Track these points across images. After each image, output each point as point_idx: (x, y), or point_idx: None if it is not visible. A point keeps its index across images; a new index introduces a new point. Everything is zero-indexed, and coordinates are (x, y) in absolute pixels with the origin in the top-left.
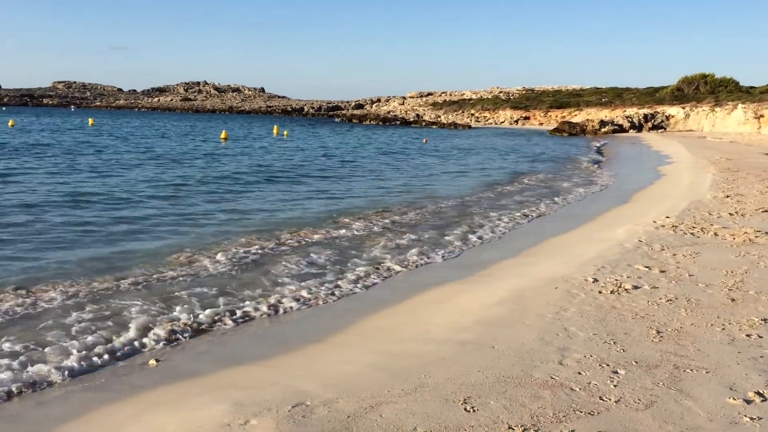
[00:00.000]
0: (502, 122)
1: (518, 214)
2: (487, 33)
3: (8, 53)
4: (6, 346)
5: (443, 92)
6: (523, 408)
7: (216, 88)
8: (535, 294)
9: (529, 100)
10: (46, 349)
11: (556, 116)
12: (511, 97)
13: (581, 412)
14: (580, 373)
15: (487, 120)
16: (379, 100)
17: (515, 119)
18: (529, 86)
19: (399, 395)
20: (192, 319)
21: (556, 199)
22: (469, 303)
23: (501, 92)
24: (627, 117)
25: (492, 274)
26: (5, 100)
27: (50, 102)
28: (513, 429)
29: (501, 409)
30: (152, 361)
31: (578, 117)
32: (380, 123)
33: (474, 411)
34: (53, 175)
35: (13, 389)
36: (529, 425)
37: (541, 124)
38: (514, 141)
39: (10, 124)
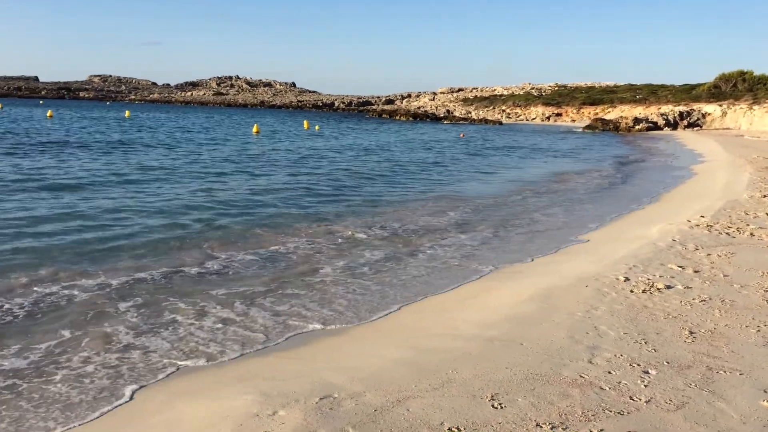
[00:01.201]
0: (534, 119)
1: (549, 211)
2: (521, 28)
3: (47, 47)
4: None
5: (474, 88)
6: (552, 406)
7: (248, 83)
8: (565, 292)
9: (562, 97)
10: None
11: (589, 113)
12: (543, 93)
13: (611, 411)
14: (610, 373)
15: (518, 116)
16: (409, 96)
17: (547, 116)
18: (562, 82)
19: (426, 390)
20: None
21: (584, 197)
22: (497, 300)
23: (533, 88)
24: (662, 114)
25: (521, 271)
26: (43, 92)
27: (86, 95)
28: (541, 427)
29: (529, 407)
30: (184, 349)
31: (611, 114)
32: (410, 118)
33: (502, 408)
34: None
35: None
36: (557, 423)
37: (574, 120)
38: (544, 138)
39: (48, 115)
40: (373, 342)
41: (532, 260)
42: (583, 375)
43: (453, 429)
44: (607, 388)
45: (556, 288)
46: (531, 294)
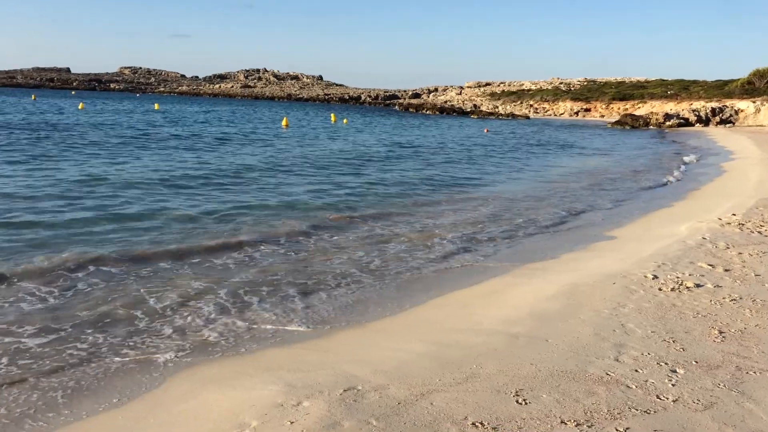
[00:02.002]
0: (562, 114)
1: (575, 207)
2: (550, 22)
3: (78, 39)
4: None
5: (501, 82)
6: (577, 403)
7: (275, 76)
8: (591, 289)
9: (591, 92)
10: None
11: (619, 108)
12: (572, 88)
13: (637, 410)
14: (636, 371)
15: (546, 111)
16: (436, 90)
17: (575, 111)
18: (591, 77)
19: (450, 384)
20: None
21: (611, 193)
22: (522, 296)
23: (561, 83)
24: (693, 110)
25: (546, 268)
26: (74, 84)
27: (116, 87)
28: (566, 424)
29: (554, 403)
30: (209, 339)
31: (642, 109)
32: (437, 113)
33: (526, 403)
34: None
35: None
36: (582, 421)
37: (603, 116)
38: (572, 133)
39: (80, 107)
40: (396, 335)
41: (557, 257)
42: (609, 373)
43: (477, 424)
44: (634, 387)
45: (582, 285)
46: (556, 291)
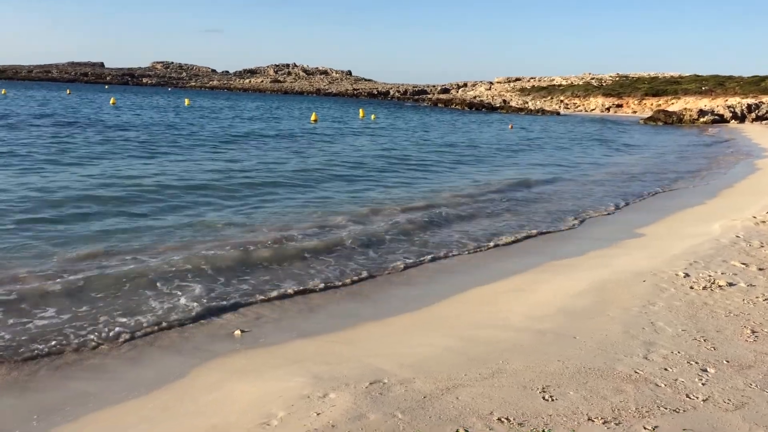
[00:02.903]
0: (593, 109)
1: (603, 204)
2: (582, 17)
3: (112, 34)
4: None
5: (532, 78)
6: (604, 400)
7: (304, 71)
8: (620, 286)
9: (623, 87)
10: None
11: (651, 104)
12: (604, 84)
13: (666, 408)
14: (666, 369)
15: (576, 107)
16: (465, 85)
17: (606, 106)
18: (624, 72)
19: (476, 379)
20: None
21: (642, 191)
22: (549, 292)
23: (593, 78)
24: (728, 107)
25: (574, 264)
26: (108, 78)
27: (149, 81)
28: (593, 421)
29: (581, 400)
30: (237, 332)
31: (675, 106)
32: (466, 108)
33: (553, 400)
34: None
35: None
36: (609, 418)
37: (635, 112)
38: (602, 129)
39: (111, 102)
40: (422, 330)
41: (585, 253)
42: (637, 371)
43: (503, 419)
44: (663, 385)
45: (611, 282)
46: (584, 287)
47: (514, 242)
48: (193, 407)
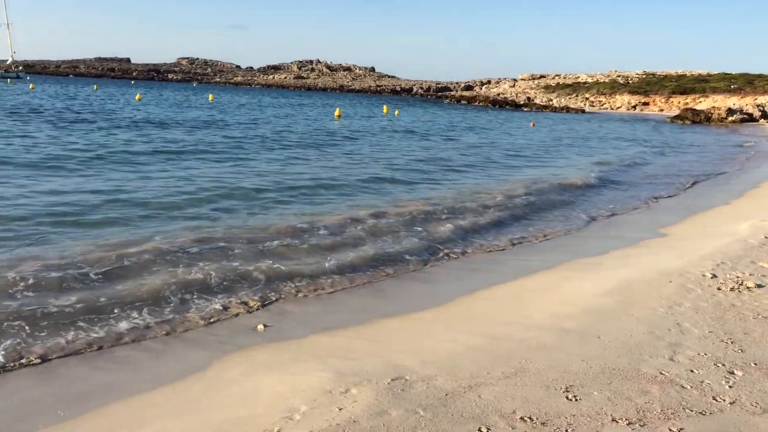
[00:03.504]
0: (619, 107)
1: (628, 203)
2: (607, 14)
3: (139, 29)
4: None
5: (557, 75)
6: (629, 401)
7: (328, 67)
8: (646, 286)
9: (650, 85)
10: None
11: (679, 102)
12: (630, 82)
13: (692, 410)
14: (692, 371)
15: (602, 104)
16: (489, 82)
17: (633, 105)
18: (650, 70)
19: (498, 378)
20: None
21: (664, 190)
22: (574, 291)
23: (619, 76)
24: (758, 105)
25: (598, 263)
26: (134, 74)
27: (174, 77)
28: (617, 422)
29: (605, 401)
30: (260, 326)
31: (703, 104)
32: (489, 105)
33: (576, 400)
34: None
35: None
36: (634, 419)
37: (662, 110)
38: (628, 127)
39: (137, 97)
40: (444, 326)
41: (609, 252)
42: (663, 372)
43: (525, 418)
44: (689, 387)
45: (637, 282)
46: (610, 287)
47: (541, 240)
48: (218, 400)
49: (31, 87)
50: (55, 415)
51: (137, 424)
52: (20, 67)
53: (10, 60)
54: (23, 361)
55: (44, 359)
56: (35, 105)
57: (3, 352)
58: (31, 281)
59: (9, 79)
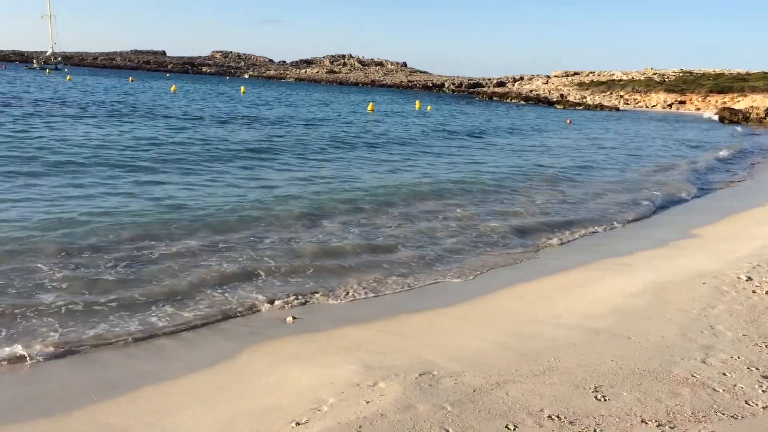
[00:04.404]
0: (654, 106)
1: (660, 203)
2: (642, 10)
3: (174, 22)
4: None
5: (591, 72)
6: (659, 403)
7: (360, 62)
8: (679, 288)
9: (686, 83)
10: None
11: (716, 101)
12: (666, 79)
13: (723, 414)
14: (724, 374)
15: (637, 103)
16: (521, 78)
17: (669, 103)
18: (687, 68)
19: (526, 376)
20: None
21: (698, 191)
22: (604, 291)
23: (655, 73)
24: None
25: (631, 263)
26: (169, 66)
27: (208, 70)
28: (647, 423)
29: (634, 402)
30: (289, 318)
31: (741, 103)
32: (521, 102)
33: (605, 400)
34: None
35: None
36: (664, 421)
37: (698, 109)
38: (663, 127)
39: (172, 89)
40: (471, 323)
41: (639, 252)
42: (695, 374)
43: (553, 417)
44: (721, 390)
45: (669, 283)
46: (641, 288)
47: (578, 239)
48: (248, 389)
49: (68, 78)
50: (88, 398)
51: (169, 409)
52: (59, 59)
53: (50, 52)
54: (62, 349)
55: (81, 348)
56: (91, 100)
57: (42, 341)
58: (70, 274)
59: (48, 70)
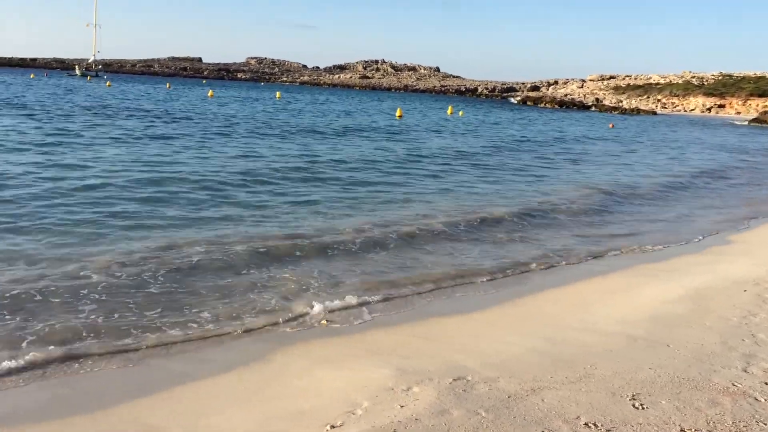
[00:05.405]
0: (692, 110)
1: (700, 210)
2: (680, 12)
3: (210, 28)
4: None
5: (627, 76)
6: (699, 412)
7: (393, 67)
8: (720, 295)
9: (726, 87)
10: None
11: (757, 105)
12: (705, 83)
13: (765, 424)
14: (766, 384)
15: (674, 106)
16: (556, 83)
17: (707, 107)
18: (727, 71)
19: (562, 382)
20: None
21: (736, 199)
22: (642, 297)
23: (693, 77)
24: None
25: (668, 269)
26: (205, 73)
27: (243, 76)
28: None
29: (673, 410)
30: (323, 321)
31: None
32: (556, 106)
33: (643, 408)
34: None
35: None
36: (704, 431)
37: (738, 113)
38: (705, 131)
39: (209, 94)
40: (505, 328)
41: (677, 258)
42: (735, 383)
43: (590, 424)
44: (763, 400)
45: (709, 290)
46: (680, 294)
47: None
48: (282, 391)
49: (107, 84)
50: (124, 397)
51: (205, 410)
52: (100, 66)
53: (92, 59)
54: (102, 350)
55: (120, 349)
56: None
57: (82, 341)
58: (113, 280)
59: (89, 77)
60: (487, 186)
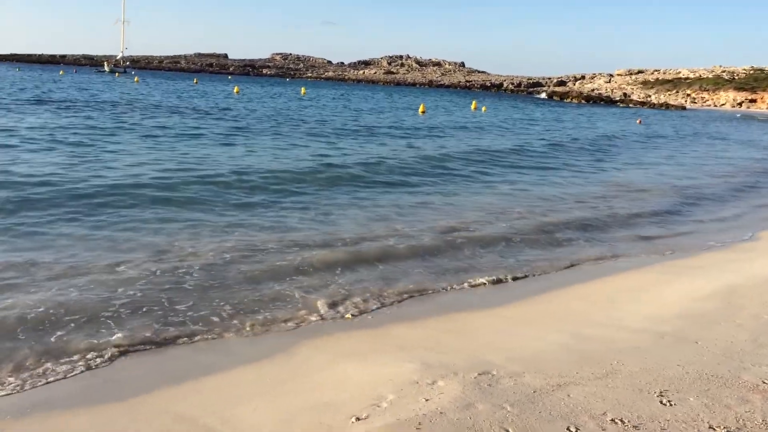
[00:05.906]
0: (723, 104)
1: (725, 208)
2: (710, 5)
3: (236, 25)
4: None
5: (656, 70)
6: (728, 410)
7: (417, 62)
8: (751, 292)
9: (758, 81)
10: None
11: None
12: (736, 77)
13: None
14: None
15: (705, 101)
16: (583, 77)
17: (738, 102)
18: (759, 65)
19: (588, 378)
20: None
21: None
22: (671, 294)
23: (724, 71)
24: None
25: (701, 266)
26: (231, 69)
27: (268, 72)
28: (714, 429)
29: (701, 407)
30: (348, 315)
31: None
32: (582, 101)
33: (671, 405)
34: None
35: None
36: (733, 428)
37: None
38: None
39: (235, 90)
40: (531, 323)
41: (706, 254)
42: (766, 381)
43: (616, 420)
44: None
45: (740, 287)
46: (710, 291)
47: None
48: (308, 384)
49: (135, 80)
50: (154, 387)
51: (232, 401)
52: (128, 63)
53: (120, 56)
54: (129, 346)
55: (152, 343)
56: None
57: (117, 335)
58: (145, 276)
59: (117, 74)
60: (547, 188)
